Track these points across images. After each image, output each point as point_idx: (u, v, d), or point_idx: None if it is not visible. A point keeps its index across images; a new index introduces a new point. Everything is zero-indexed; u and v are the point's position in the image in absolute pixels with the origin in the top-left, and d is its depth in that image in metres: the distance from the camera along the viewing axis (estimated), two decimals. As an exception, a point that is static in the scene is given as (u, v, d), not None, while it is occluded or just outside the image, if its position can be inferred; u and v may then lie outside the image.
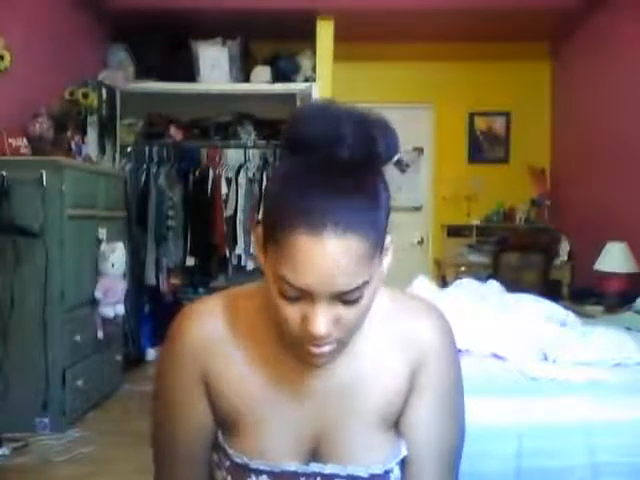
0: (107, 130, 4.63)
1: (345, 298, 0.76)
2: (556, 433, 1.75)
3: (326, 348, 0.80)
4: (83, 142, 4.05)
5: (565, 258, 5.07)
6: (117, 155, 4.86)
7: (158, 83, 4.86)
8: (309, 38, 4.78)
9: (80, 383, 3.39)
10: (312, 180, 0.75)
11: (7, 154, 3.26)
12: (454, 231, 5.59)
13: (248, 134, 5.09)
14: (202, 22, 4.81)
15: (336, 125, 0.77)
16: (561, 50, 5.48)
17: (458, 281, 3.32)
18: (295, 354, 0.85)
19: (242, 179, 4.94)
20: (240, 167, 4.98)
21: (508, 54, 5.49)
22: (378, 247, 0.78)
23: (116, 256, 3.70)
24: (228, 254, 4.94)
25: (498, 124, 5.74)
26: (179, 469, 0.93)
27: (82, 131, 4.15)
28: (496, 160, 5.72)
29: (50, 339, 3.19)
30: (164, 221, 4.87)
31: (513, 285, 3.43)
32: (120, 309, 3.80)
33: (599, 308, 3.78)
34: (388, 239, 0.82)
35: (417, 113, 5.68)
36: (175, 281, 4.99)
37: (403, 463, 0.92)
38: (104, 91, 4.54)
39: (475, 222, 5.55)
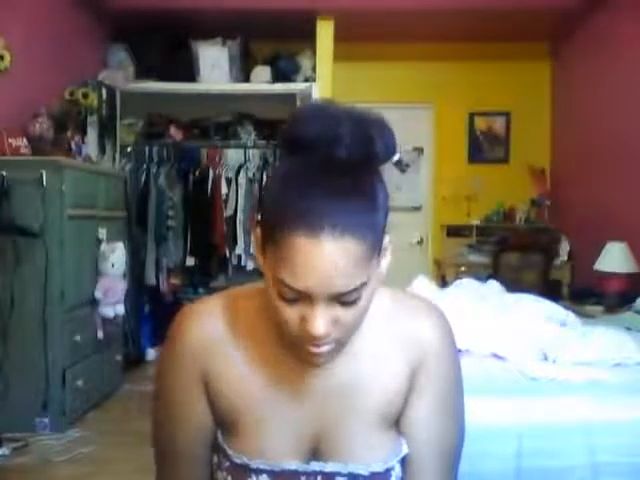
0: (107, 130, 4.63)
1: (343, 299, 0.77)
2: (556, 433, 1.75)
3: (325, 348, 0.80)
4: (83, 142, 4.05)
5: (565, 258, 5.07)
6: (117, 155, 4.86)
7: (158, 83, 4.86)
8: (309, 38, 4.78)
9: (80, 383, 3.39)
10: (310, 181, 0.75)
11: (7, 154, 3.26)
12: (454, 231, 5.59)
13: (248, 134, 5.09)
14: (202, 22, 4.81)
15: (334, 125, 0.77)
16: (561, 50, 5.48)
17: (458, 281, 3.32)
18: (295, 354, 0.85)
19: (242, 179, 4.94)
20: (240, 167, 4.98)
21: (508, 54, 5.49)
22: (376, 248, 0.78)
23: (116, 256, 3.70)
24: (228, 254, 4.94)
25: (498, 124, 5.74)
26: (180, 469, 0.94)
27: (82, 131, 4.15)
28: (496, 160, 5.72)
29: (50, 339, 3.19)
30: (164, 221, 4.87)
31: (513, 285, 3.43)
32: (120, 309, 3.80)
33: (599, 308, 3.78)
34: (386, 239, 0.82)
35: (417, 113, 5.68)
36: (175, 281, 4.99)
37: (403, 461, 0.92)
38: (104, 91, 4.54)
39: (475, 222, 5.55)
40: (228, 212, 4.92)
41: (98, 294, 3.62)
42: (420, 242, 5.80)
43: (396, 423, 0.92)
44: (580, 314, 3.05)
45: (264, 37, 4.99)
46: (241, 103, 5.08)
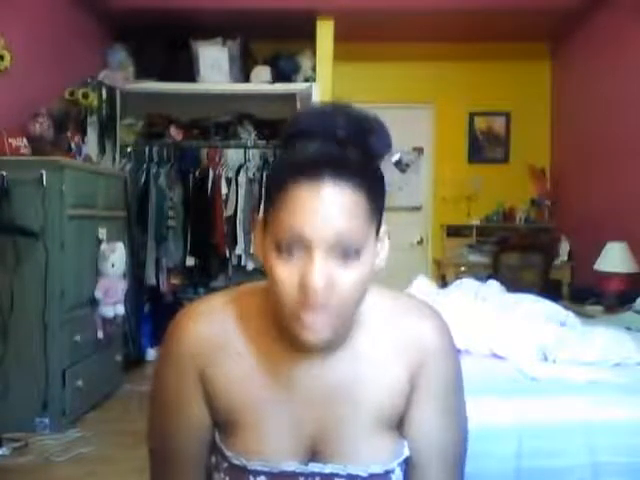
0: (107, 130, 4.63)
1: (341, 248, 0.78)
2: (556, 433, 1.75)
3: (322, 319, 0.79)
4: (83, 142, 4.05)
5: (565, 258, 5.07)
6: (117, 155, 4.86)
7: (158, 83, 4.86)
8: (309, 38, 4.78)
9: (80, 383, 3.39)
10: (314, 149, 0.80)
11: (7, 154, 3.26)
12: (454, 231, 5.59)
13: (248, 134, 5.09)
14: (202, 22, 4.81)
15: (330, 119, 0.81)
16: (561, 50, 5.49)
17: (458, 281, 3.32)
18: (296, 347, 0.85)
19: (242, 179, 4.94)
20: (240, 167, 4.98)
21: (508, 54, 5.49)
22: (374, 216, 0.81)
23: (116, 256, 3.70)
24: (228, 254, 4.94)
25: (498, 124, 5.74)
26: (175, 469, 0.93)
27: (82, 131, 4.15)
28: (496, 160, 5.71)
29: (50, 339, 3.20)
30: (164, 221, 4.87)
31: (513, 285, 3.43)
32: (120, 309, 3.80)
33: (599, 308, 3.78)
34: (384, 228, 0.85)
35: (417, 113, 5.68)
36: (175, 281, 4.99)
37: (406, 464, 0.92)
38: (104, 91, 4.54)
39: (475, 222, 5.55)
40: (228, 212, 4.92)
41: (98, 294, 3.62)
42: (420, 242, 5.80)
43: (398, 425, 0.92)
44: (580, 314, 3.05)
45: (264, 37, 4.99)
46: (241, 103, 5.08)
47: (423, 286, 3.01)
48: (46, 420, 3.19)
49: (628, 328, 2.71)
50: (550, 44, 5.58)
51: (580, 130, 5.08)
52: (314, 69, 4.86)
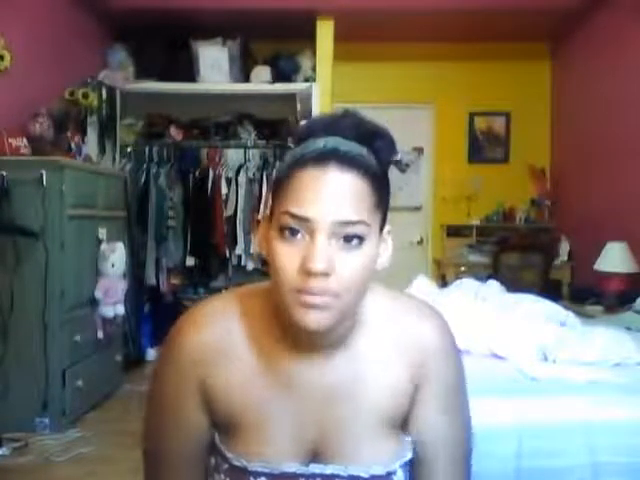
0: (107, 130, 4.63)
1: (344, 233, 0.78)
2: (556, 433, 1.75)
3: (321, 301, 0.78)
4: (83, 142, 4.05)
5: (565, 258, 5.07)
6: (117, 155, 4.86)
7: (158, 83, 4.86)
8: (309, 38, 4.77)
9: (80, 383, 3.39)
10: (319, 139, 0.83)
11: (7, 154, 3.26)
12: (454, 231, 5.59)
13: (248, 134, 5.09)
14: (202, 22, 4.81)
15: (338, 122, 0.84)
16: (561, 50, 5.48)
17: (458, 281, 3.32)
18: (299, 349, 0.85)
19: (242, 179, 4.94)
20: (240, 167, 4.98)
21: (508, 54, 5.49)
22: (377, 204, 0.82)
23: (116, 256, 3.70)
24: (228, 254, 4.94)
25: (498, 124, 5.74)
26: (170, 471, 0.93)
27: (82, 131, 4.15)
28: (496, 160, 5.71)
29: (50, 339, 3.20)
30: (164, 221, 4.87)
31: (513, 285, 3.43)
32: (120, 309, 3.80)
33: (599, 308, 3.78)
34: (388, 227, 0.86)
35: (417, 113, 5.68)
36: (175, 281, 4.99)
37: (411, 465, 0.92)
38: (104, 91, 4.54)
39: (475, 222, 5.55)
40: (228, 212, 4.92)
41: (98, 294, 3.62)
42: (420, 242, 5.80)
43: (402, 426, 0.92)
44: (580, 314, 3.05)
45: (264, 37, 4.98)
46: (241, 103, 5.08)
47: (423, 286, 3.01)
48: (46, 420, 3.19)
49: (628, 328, 2.71)
50: (550, 44, 5.58)
51: (580, 130, 5.08)
52: (314, 69, 4.86)
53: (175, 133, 5.08)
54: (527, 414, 1.78)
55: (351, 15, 4.74)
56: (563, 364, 2.13)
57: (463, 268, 5.17)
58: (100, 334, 3.68)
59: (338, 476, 0.87)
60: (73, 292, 3.38)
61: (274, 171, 4.87)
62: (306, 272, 0.77)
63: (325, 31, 4.78)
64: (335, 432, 0.88)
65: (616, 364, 2.14)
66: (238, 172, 4.96)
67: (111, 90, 4.65)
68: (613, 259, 3.81)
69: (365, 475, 0.87)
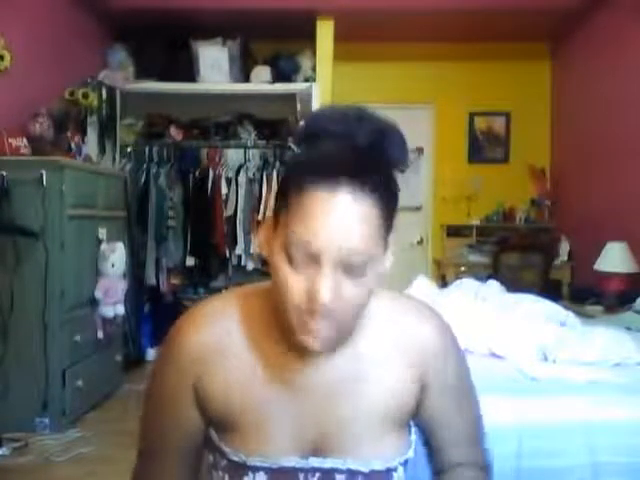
0: (107, 130, 4.63)
1: (351, 264, 0.77)
2: (556, 433, 1.75)
3: (327, 326, 0.79)
4: (83, 142, 4.05)
5: (565, 258, 5.07)
6: (117, 155, 4.86)
7: (158, 83, 4.86)
8: (309, 38, 4.77)
9: (80, 383, 3.39)
10: (332, 155, 0.79)
11: (7, 154, 3.26)
12: (454, 231, 5.59)
13: (248, 134, 5.09)
14: (202, 22, 4.81)
15: (353, 123, 0.81)
16: (561, 50, 5.49)
17: (458, 281, 3.32)
18: (298, 350, 0.85)
19: (242, 179, 4.94)
20: (240, 167, 4.98)
21: (508, 54, 5.49)
22: (387, 230, 0.80)
23: (116, 256, 3.70)
24: (228, 254, 4.94)
25: (498, 124, 5.74)
26: (165, 467, 0.95)
27: (82, 131, 4.15)
28: (496, 160, 5.71)
29: (50, 339, 3.20)
30: (164, 221, 4.87)
31: (513, 285, 3.43)
32: (120, 309, 3.80)
33: (599, 308, 3.78)
34: (392, 236, 0.84)
35: (417, 113, 5.67)
36: (175, 281, 4.99)
37: (429, 452, 0.95)
38: (104, 91, 4.54)
39: (475, 222, 5.55)
40: (228, 212, 4.92)
41: (98, 294, 3.62)
42: (420, 242, 5.80)
43: (407, 424, 0.93)
44: (580, 314, 3.05)
45: (264, 37, 4.98)
46: (241, 103, 5.08)
47: (423, 286, 3.01)
48: (46, 420, 3.19)
49: (628, 328, 2.71)
50: (550, 44, 5.58)
51: (580, 130, 5.08)
52: (314, 69, 4.86)
53: (175, 133, 5.08)
54: (527, 414, 1.78)
55: (351, 15, 4.74)
56: (563, 364, 2.13)
57: (463, 268, 5.17)
58: (100, 334, 3.68)
59: (337, 470, 0.88)
60: (73, 292, 3.38)
61: (275, 171, 4.88)
62: (312, 299, 0.77)
63: (325, 31, 4.78)
64: (335, 431, 0.88)
65: (616, 364, 2.14)
66: (238, 172, 4.96)
67: (111, 90, 4.65)
68: (613, 259, 3.81)
69: (364, 470, 0.87)
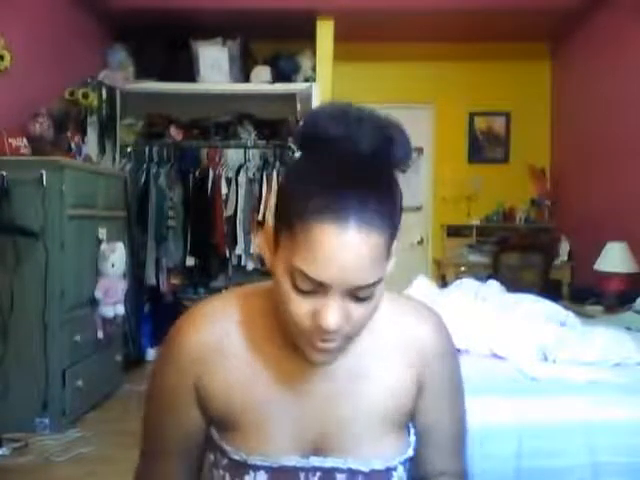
0: (107, 130, 4.63)
1: (358, 294, 0.76)
2: (556, 433, 1.75)
3: (333, 344, 0.80)
4: (83, 142, 4.05)
5: (565, 258, 5.07)
6: (117, 155, 4.86)
7: (158, 83, 4.86)
8: (309, 38, 4.78)
9: (80, 383, 3.39)
10: (335, 172, 0.76)
11: (7, 154, 3.26)
12: (454, 231, 5.59)
13: (248, 134, 5.09)
14: (202, 22, 4.81)
15: (356, 125, 0.78)
16: (561, 50, 5.49)
17: (458, 281, 3.32)
18: (299, 351, 0.85)
19: (242, 179, 4.94)
20: (240, 167, 4.98)
21: (508, 54, 5.49)
22: (391, 243, 0.78)
23: (116, 256, 3.70)
24: (228, 254, 4.94)
25: (498, 124, 5.74)
26: (166, 466, 0.94)
27: (82, 131, 4.15)
28: (496, 160, 5.72)
29: (50, 339, 3.19)
30: (164, 221, 4.87)
31: (513, 285, 3.43)
32: (120, 309, 3.80)
33: (599, 308, 3.78)
34: (395, 243, 0.82)
35: (417, 113, 5.67)
36: (175, 281, 4.99)
37: (417, 449, 0.94)
38: (104, 91, 4.54)
39: (475, 222, 5.55)
40: (228, 212, 4.92)
41: (98, 294, 3.62)
42: (420, 242, 5.80)
43: (405, 425, 0.93)
44: (580, 314, 3.05)
45: (264, 37, 4.99)
46: (241, 103, 5.08)
47: (423, 286, 3.01)
48: (46, 420, 3.19)
49: (628, 328, 2.71)
50: (550, 44, 5.58)
51: (580, 130, 5.08)
52: (314, 69, 4.86)
53: (175, 133, 5.08)
54: (527, 414, 1.79)
55: (351, 15, 4.74)
56: (563, 364, 2.13)
57: (463, 268, 5.17)
58: (100, 334, 3.68)
59: (338, 469, 0.88)
60: (73, 292, 3.38)
61: (275, 171, 4.88)
62: (319, 324, 0.76)
63: (325, 31, 4.78)
64: (336, 431, 0.89)
65: (616, 364, 2.14)
66: (238, 172, 4.95)
67: (111, 90, 4.65)
68: (613, 259, 3.81)
69: (365, 469, 0.87)
